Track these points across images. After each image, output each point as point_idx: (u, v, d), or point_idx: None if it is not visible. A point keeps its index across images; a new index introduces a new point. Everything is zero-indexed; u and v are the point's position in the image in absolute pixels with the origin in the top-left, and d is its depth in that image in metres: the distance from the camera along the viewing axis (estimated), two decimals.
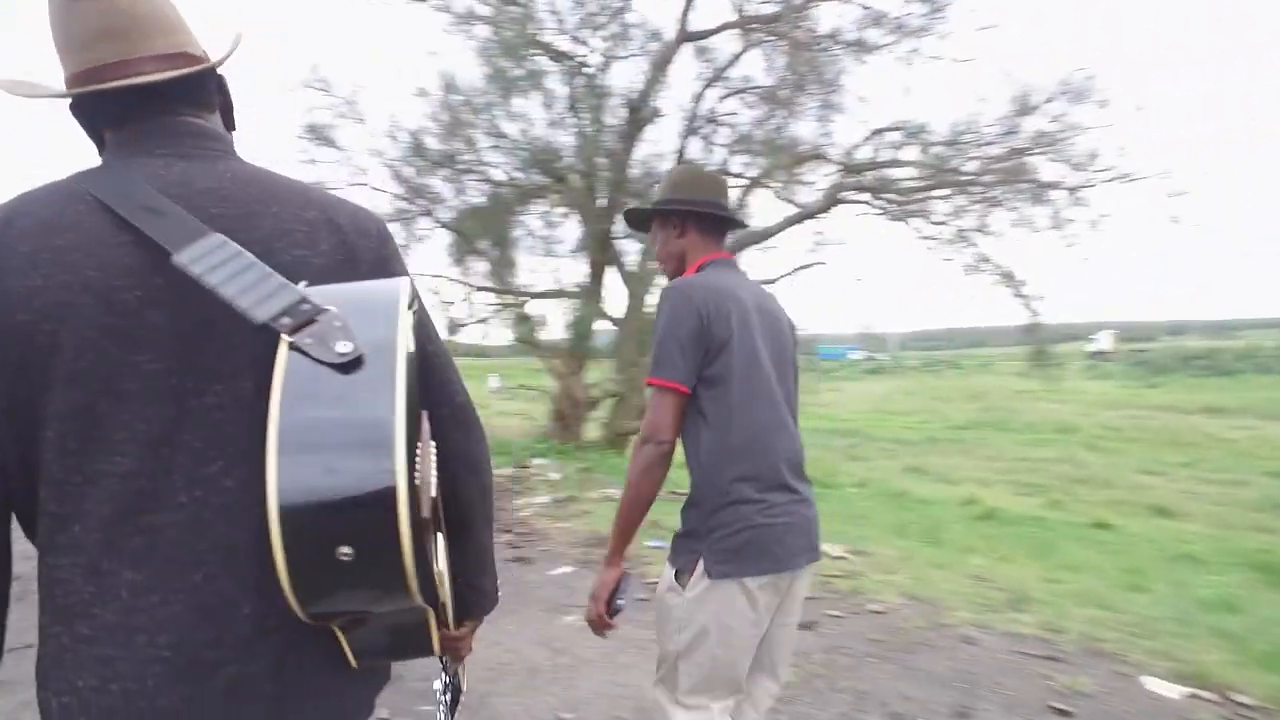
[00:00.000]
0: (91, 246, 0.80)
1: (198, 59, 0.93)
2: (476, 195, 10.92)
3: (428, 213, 10.34)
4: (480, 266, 12.50)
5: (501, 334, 12.37)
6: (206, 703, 0.80)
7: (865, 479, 10.40)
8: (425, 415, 0.91)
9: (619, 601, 1.73)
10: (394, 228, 10.83)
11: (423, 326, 0.94)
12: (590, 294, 10.14)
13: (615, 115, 9.81)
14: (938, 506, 8.47)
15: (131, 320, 0.80)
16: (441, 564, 1.00)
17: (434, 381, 0.99)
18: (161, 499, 0.80)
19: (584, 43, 9.43)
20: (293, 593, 0.70)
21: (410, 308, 0.81)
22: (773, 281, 10.55)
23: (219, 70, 0.97)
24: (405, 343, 0.76)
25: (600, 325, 10.74)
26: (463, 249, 11.89)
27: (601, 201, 9.84)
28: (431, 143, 9.14)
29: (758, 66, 9.97)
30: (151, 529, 0.80)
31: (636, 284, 10.42)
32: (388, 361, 0.73)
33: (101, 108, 0.91)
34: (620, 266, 10.51)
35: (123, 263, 0.80)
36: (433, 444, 0.91)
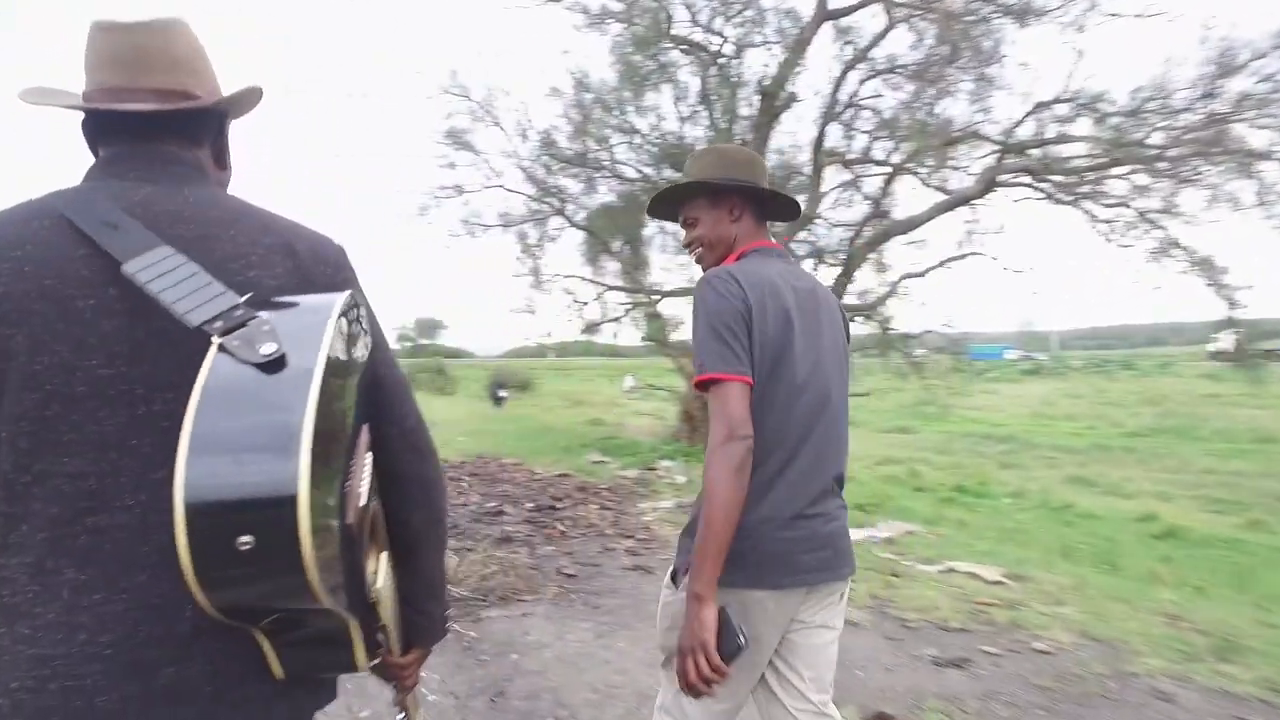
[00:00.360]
0: (50, 258, 0.84)
1: (192, 97, 0.98)
2: (608, 194, 10.87)
3: (559, 212, 10.38)
4: (612, 266, 12.54)
5: (633, 333, 12.34)
6: (146, 703, 0.81)
7: (1021, 489, 9.41)
8: (366, 430, 0.94)
9: (738, 641, 1.37)
10: (526, 228, 11.08)
11: (378, 348, 1.00)
12: None
13: (749, 104, 9.43)
14: (1108, 523, 7.49)
15: (85, 328, 0.83)
16: (382, 583, 0.98)
17: (384, 402, 1.01)
18: (109, 501, 0.82)
19: (717, 32, 9.10)
20: (195, 579, 0.70)
21: (351, 322, 0.86)
22: (921, 274, 9.81)
23: (219, 113, 1.04)
24: (330, 349, 0.78)
25: None
26: (595, 248, 11.91)
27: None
28: (562, 141, 9.12)
29: (904, 43, 9.30)
30: (98, 530, 0.82)
31: None
32: (308, 365, 0.75)
33: (97, 126, 0.98)
34: None
35: (79, 274, 0.84)
36: (369, 457, 0.93)
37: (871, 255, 9.88)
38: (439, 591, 1.15)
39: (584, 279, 12.44)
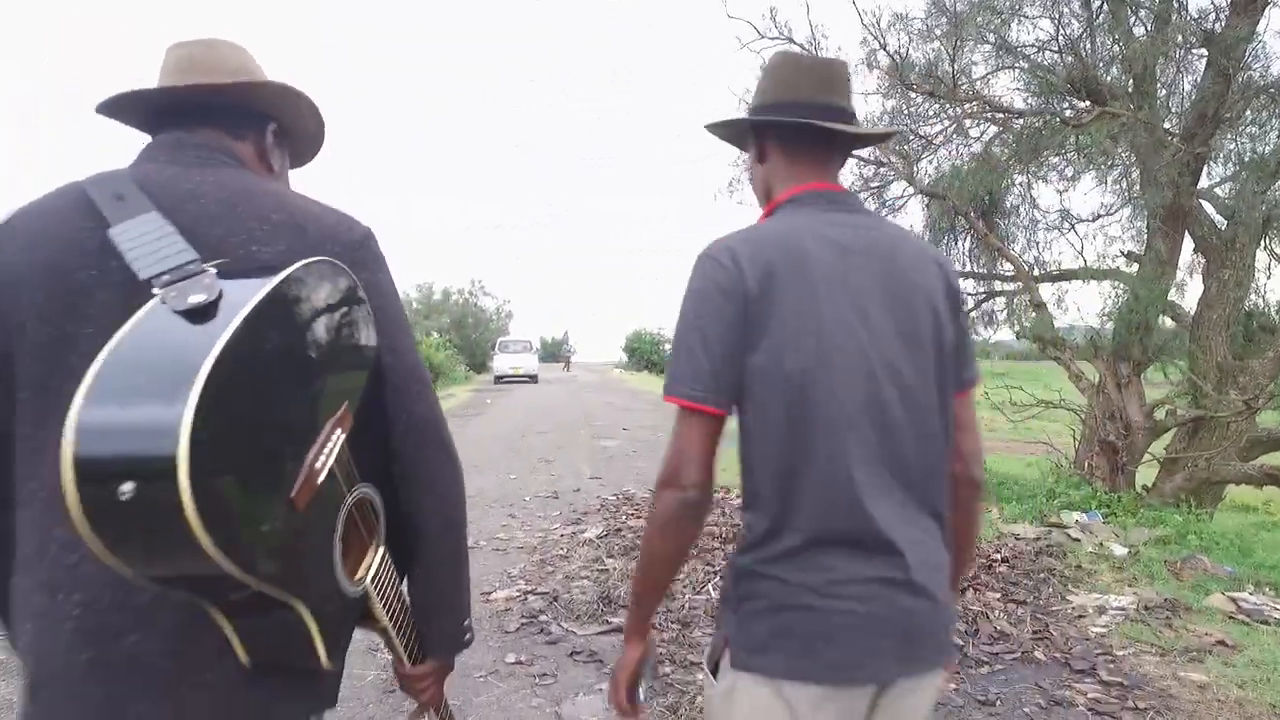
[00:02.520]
0: (61, 232, 0.91)
1: (216, 90, 1.04)
2: (968, 147, 8.32)
3: (904, 174, 8.08)
4: (960, 248, 9.87)
5: (991, 329, 9.56)
6: (109, 669, 0.85)
7: None
8: (347, 410, 0.88)
9: (642, 686, 1.26)
10: (863, 197, 8.93)
11: (385, 334, 0.98)
12: (1154, 268, 6.74)
13: None
14: None
15: (82, 298, 0.88)
16: (374, 581, 0.98)
17: (389, 391, 1.00)
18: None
19: None
20: (84, 526, 0.67)
21: (318, 298, 0.86)
22: None
23: (258, 113, 1.10)
24: (254, 305, 0.75)
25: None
26: (941, 227, 9.37)
27: (1175, 131, 6.44)
28: (918, 69, 6.80)
29: None
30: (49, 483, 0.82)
31: (1226, 253, 6.70)
32: (228, 318, 0.73)
33: (146, 117, 1.07)
34: (1200, 226, 6.89)
35: (84, 245, 0.90)
36: (339, 436, 0.86)
37: None
38: (453, 604, 1.11)
39: None
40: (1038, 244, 9.57)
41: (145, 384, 0.70)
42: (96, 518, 0.68)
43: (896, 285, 1.16)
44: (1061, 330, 7.82)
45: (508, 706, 2.92)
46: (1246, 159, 6.05)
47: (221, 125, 1.06)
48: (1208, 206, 7.19)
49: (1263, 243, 6.98)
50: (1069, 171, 7.79)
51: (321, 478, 0.82)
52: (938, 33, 6.61)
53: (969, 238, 9.32)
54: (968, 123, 7.55)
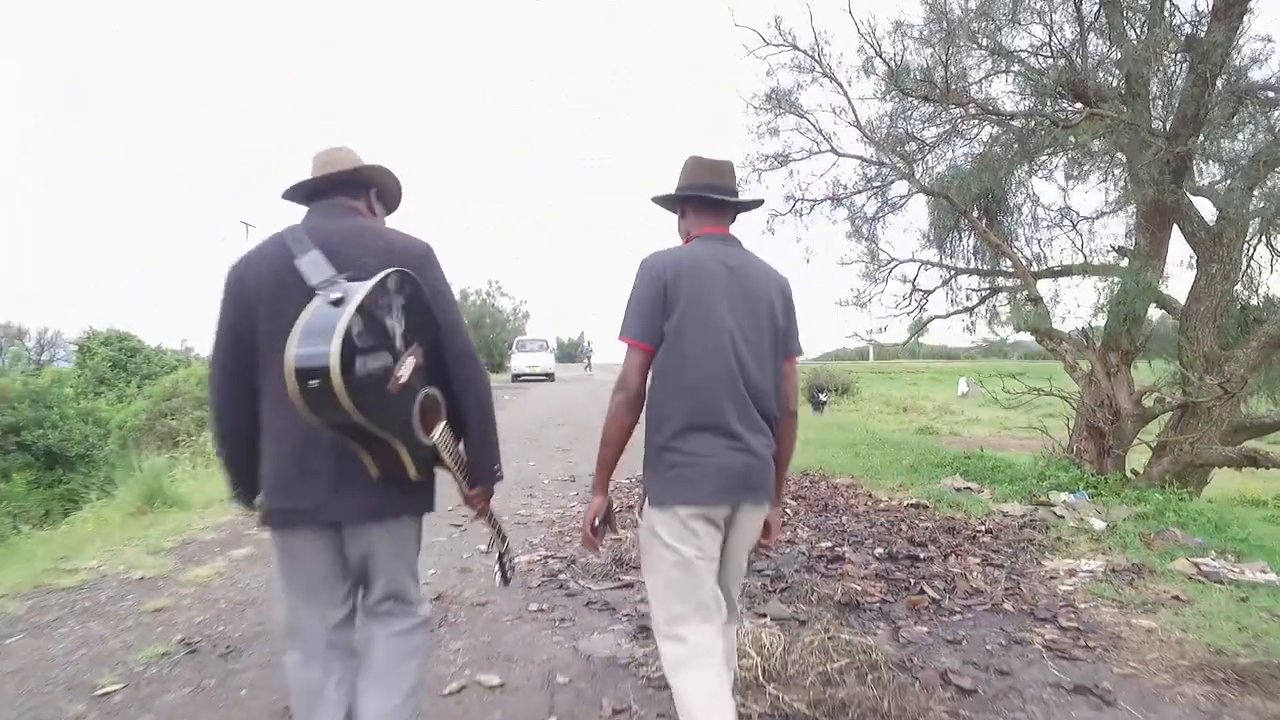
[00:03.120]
0: (273, 261, 1.76)
1: (354, 172, 1.93)
2: (968, 147, 8.67)
3: (907, 175, 8.43)
4: (965, 245, 10.17)
5: (986, 325, 9.86)
6: (308, 478, 1.73)
7: None
8: (418, 346, 1.72)
9: (603, 525, 2.07)
10: (861, 199, 9.29)
11: (439, 307, 1.84)
12: (1143, 260, 7.06)
13: None
14: None
15: (284, 295, 1.68)
16: (439, 440, 1.79)
17: (444, 335, 1.84)
18: (284, 390, 1.57)
19: None
20: (297, 401, 1.50)
21: (395, 291, 1.67)
22: None
23: (364, 183, 1.97)
24: (359, 297, 1.55)
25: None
26: (945, 225, 9.69)
27: (1163, 129, 6.75)
28: (914, 74, 7.16)
29: None
30: (284, 400, 1.57)
31: (1214, 248, 7.00)
32: (350, 304, 1.53)
33: (309, 192, 1.94)
34: (1190, 222, 7.19)
35: (284, 271, 1.71)
36: (411, 361, 1.68)
37: None
38: (488, 453, 1.95)
39: (929, 263, 10.28)
40: (1038, 240, 9.92)
41: (316, 336, 1.49)
42: (302, 396, 1.50)
43: (751, 291, 2.03)
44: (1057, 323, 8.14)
45: (533, 643, 3.34)
46: (1225, 159, 6.35)
47: (346, 193, 1.92)
48: (1198, 203, 7.49)
49: (1251, 238, 7.27)
50: (1060, 171, 8.11)
51: (403, 380, 1.65)
52: (936, 39, 6.95)
53: (972, 235, 9.65)
54: (962, 125, 7.86)
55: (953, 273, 10.23)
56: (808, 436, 11.07)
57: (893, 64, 7.17)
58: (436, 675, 2.96)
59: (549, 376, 28.41)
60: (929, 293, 10.51)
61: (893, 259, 10.17)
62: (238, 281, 1.80)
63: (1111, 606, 3.81)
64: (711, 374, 1.93)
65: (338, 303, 1.55)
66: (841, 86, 8.00)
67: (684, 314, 1.94)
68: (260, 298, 1.75)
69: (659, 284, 1.96)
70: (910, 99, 7.42)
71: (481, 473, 1.95)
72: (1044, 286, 9.17)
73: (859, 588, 3.99)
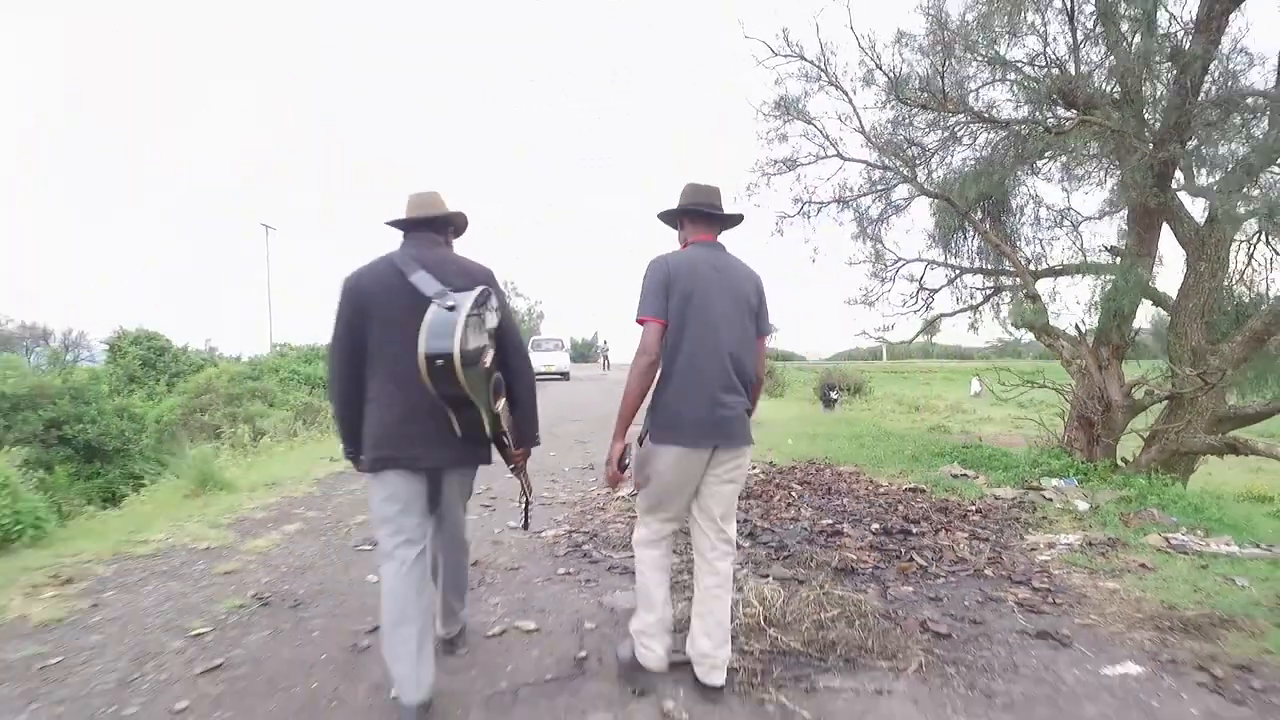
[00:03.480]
0: (384, 277, 2.54)
1: (443, 217, 2.75)
2: (968, 151, 9.04)
3: (909, 178, 8.82)
4: (969, 245, 10.53)
5: (993, 323, 10.23)
6: (416, 437, 2.49)
7: None
8: (493, 346, 2.52)
9: (626, 462, 2.74)
10: (866, 201, 9.69)
11: (505, 318, 2.63)
12: (1133, 258, 7.42)
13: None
14: None
15: (395, 303, 2.48)
16: (501, 410, 2.61)
17: (507, 341, 2.66)
18: (401, 360, 2.39)
19: None
20: (425, 378, 2.30)
21: (483, 301, 2.47)
22: None
23: (446, 222, 2.79)
24: (468, 305, 2.36)
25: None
26: (949, 226, 10.06)
27: (1152, 132, 7.11)
28: (914, 85, 7.56)
29: None
30: (398, 371, 2.44)
31: (1202, 248, 7.35)
32: (462, 311, 2.33)
33: (407, 228, 2.71)
34: (1180, 223, 7.53)
35: (394, 284, 2.51)
36: (492, 353, 2.50)
37: None
38: (532, 421, 2.81)
39: (934, 262, 10.65)
40: (1040, 240, 10.26)
41: (439, 332, 2.28)
42: (429, 374, 2.29)
43: (733, 285, 2.72)
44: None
45: (562, 599, 3.79)
46: (1211, 164, 6.71)
47: (435, 229, 2.70)
48: (1192, 205, 7.83)
49: (1246, 239, 7.61)
50: (1056, 174, 8.47)
51: (487, 365, 2.42)
52: (935, 51, 7.35)
53: (975, 235, 10.01)
54: (961, 131, 8.24)
55: (958, 272, 10.61)
56: (816, 431, 11.46)
57: (892, 75, 7.57)
58: (480, 622, 3.41)
59: (564, 376, 28.86)
60: (935, 291, 10.89)
61: (900, 258, 10.55)
62: (354, 290, 2.53)
63: (1083, 573, 4.21)
64: (704, 349, 2.62)
65: (452, 309, 2.33)
66: (846, 94, 8.41)
67: (683, 303, 2.62)
68: (372, 301, 2.49)
69: (664, 277, 2.65)
70: (909, 107, 7.81)
71: (526, 436, 2.82)
72: (1044, 285, 9.55)
73: (854, 556, 4.41)
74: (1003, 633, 3.33)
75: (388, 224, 2.74)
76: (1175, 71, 6.61)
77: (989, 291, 10.68)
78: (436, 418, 2.45)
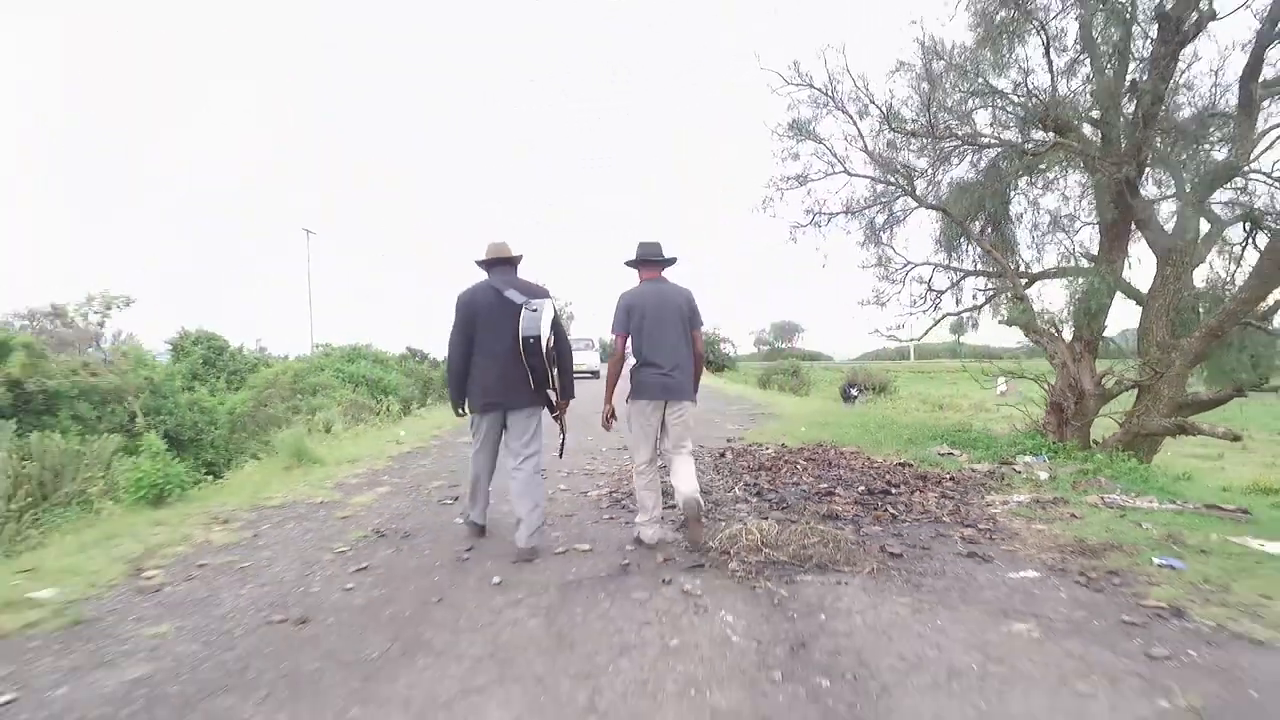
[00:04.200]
0: (486, 294, 4.43)
1: (511, 256, 4.59)
2: (964, 168, 10.03)
3: (909, 192, 9.83)
4: (972, 250, 11.49)
5: (992, 321, 11.16)
6: (510, 388, 4.42)
7: None
8: (554, 336, 4.48)
9: (611, 418, 4.72)
10: (871, 212, 10.70)
11: (557, 318, 4.49)
12: (1103, 263, 8.38)
13: (1146, 38, 7.96)
14: None
15: (496, 309, 4.39)
16: (554, 373, 4.54)
17: (558, 333, 4.52)
18: (496, 345, 4.37)
19: None
20: (522, 355, 4.31)
21: (552, 312, 4.43)
22: None
23: (517, 260, 4.63)
24: (550, 312, 4.40)
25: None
26: (952, 232, 11.04)
27: (1121, 149, 8.06)
28: (907, 113, 8.61)
29: None
30: (495, 351, 4.38)
31: (1169, 253, 8.27)
32: (546, 315, 4.33)
33: (489, 265, 4.56)
34: (1151, 231, 8.47)
35: (492, 299, 4.41)
36: (553, 338, 4.44)
37: None
38: (570, 384, 4.65)
39: (939, 265, 11.62)
40: (1035, 245, 11.20)
41: (531, 324, 4.29)
42: (524, 348, 4.32)
43: (670, 304, 4.60)
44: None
45: (607, 533, 4.93)
46: (1172, 181, 7.66)
47: (508, 264, 4.59)
48: (1163, 216, 8.76)
49: (1208, 243, 8.53)
50: (1039, 189, 9.44)
51: (551, 344, 4.41)
52: (923, 87, 8.38)
53: (977, 244, 10.99)
54: (950, 153, 9.24)
55: (961, 275, 11.58)
56: (829, 421, 12.49)
57: (884, 109, 8.61)
58: (548, 547, 4.56)
59: (594, 374, 30.05)
60: (942, 293, 11.88)
61: (909, 262, 11.55)
62: (469, 302, 4.43)
63: (1022, 520, 5.24)
64: (653, 345, 4.50)
65: (536, 310, 4.26)
66: (851, 118, 9.45)
67: (640, 320, 4.51)
68: (479, 309, 4.39)
69: (626, 305, 4.57)
70: (901, 135, 8.84)
71: (566, 392, 4.69)
72: (1039, 287, 10.51)
73: (840, 509, 5.49)
74: (942, 554, 4.40)
75: (478, 263, 4.62)
76: (1132, 103, 7.56)
77: (990, 293, 11.64)
78: (513, 379, 4.36)
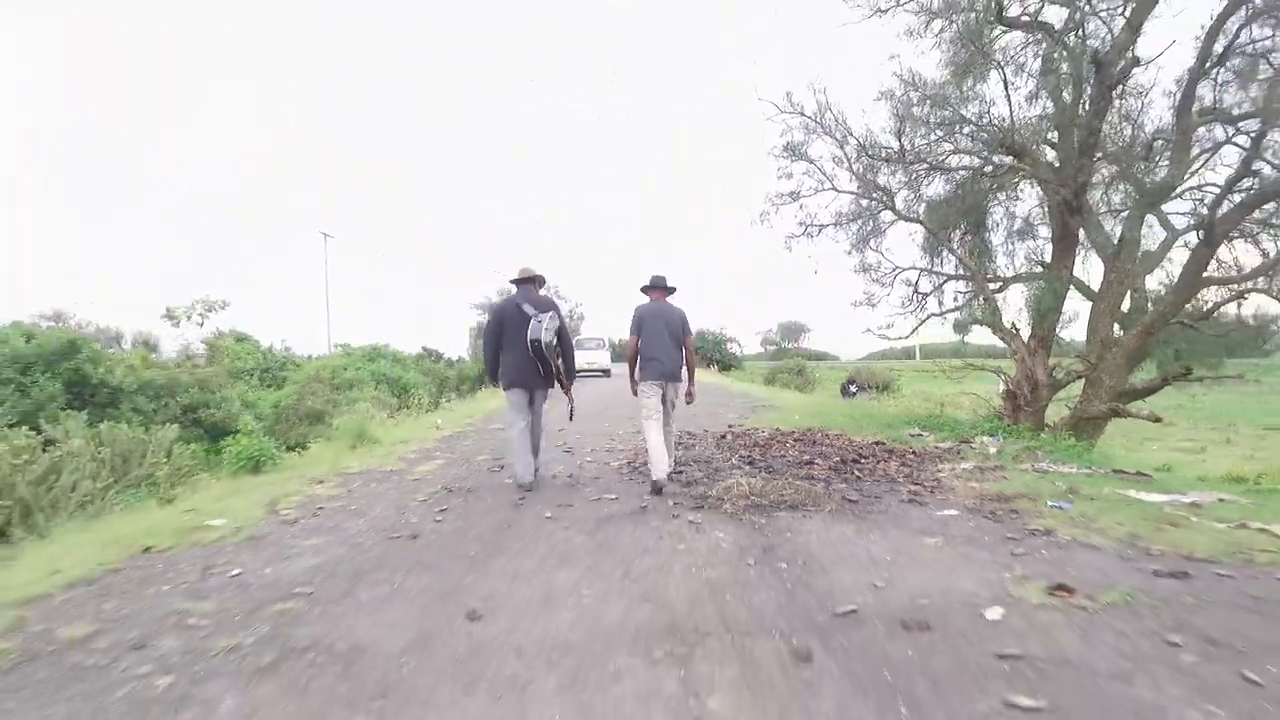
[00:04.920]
0: (510, 306, 6.42)
1: (535, 277, 6.55)
2: (940, 186, 11.29)
3: (890, 206, 11.09)
4: (951, 258, 12.76)
5: (964, 322, 12.39)
6: (525, 373, 6.31)
7: None
8: (559, 337, 6.45)
9: (638, 389, 6.57)
10: (856, 225, 11.98)
11: (561, 325, 6.45)
12: (1053, 271, 9.63)
13: (1086, 78, 9.22)
14: None
15: (515, 318, 6.33)
16: (558, 364, 6.48)
17: (562, 336, 6.48)
18: (517, 343, 6.27)
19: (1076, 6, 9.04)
20: (530, 352, 6.20)
21: (553, 318, 6.31)
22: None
23: (540, 279, 6.62)
24: (555, 322, 6.32)
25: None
26: (933, 241, 12.31)
27: (1067, 170, 9.31)
28: (884, 139, 9.90)
29: None
30: (516, 347, 6.28)
31: (1114, 261, 9.52)
32: (550, 324, 6.25)
33: (518, 282, 6.55)
34: (1093, 237, 9.71)
35: (513, 311, 6.37)
36: (559, 338, 6.42)
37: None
38: (571, 370, 6.62)
39: (923, 270, 12.87)
40: (1009, 253, 12.46)
41: (536, 331, 6.22)
42: (532, 349, 6.28)
43: (667, 319, 6.56)
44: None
45: (628, 487, 6.23)
46: (1102, 206, 8.92)
47: (532, 283, 6.60)
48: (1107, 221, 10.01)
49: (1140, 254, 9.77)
50: (1008, 204, 10.70)
51: (553, 345, 6.39)
52: (892, 122, 9.68)
53: (957, 251, 12.25)
54: (919, 176, 10.52)
55: (943, 279, 12.84)
56: (819, 411, 13.76)
57: (861, 139, 9.91)
58: (584, 498, 5.86)
59: (605, 373, 31.37)
60: (926, 295, 13.14)
61: (897, 267, 12.81)
62: (500, 311, 6.54)
63: (962, 480, 6.50)
64: (652, 344, 6.42)
65: (540, 321, 6.22)
66: (838, 141, 10.73)
67: (645, 328, 6.45)
68: (504, 318, 6.41)
69: (637, 317, 6.52)
70: (877, 160, 10.13)
71: (569, 376, 6.69)
72: (1014, 288, 11.78)
73: (816, 473, 6.77)
74: (889, 501, 5.67)
75: (511, 281, 6.61)
76: (1075, 133, 8.82)
77: (970, 295, 12.90)
78: (531, 368, 6.24)
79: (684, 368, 6.62)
